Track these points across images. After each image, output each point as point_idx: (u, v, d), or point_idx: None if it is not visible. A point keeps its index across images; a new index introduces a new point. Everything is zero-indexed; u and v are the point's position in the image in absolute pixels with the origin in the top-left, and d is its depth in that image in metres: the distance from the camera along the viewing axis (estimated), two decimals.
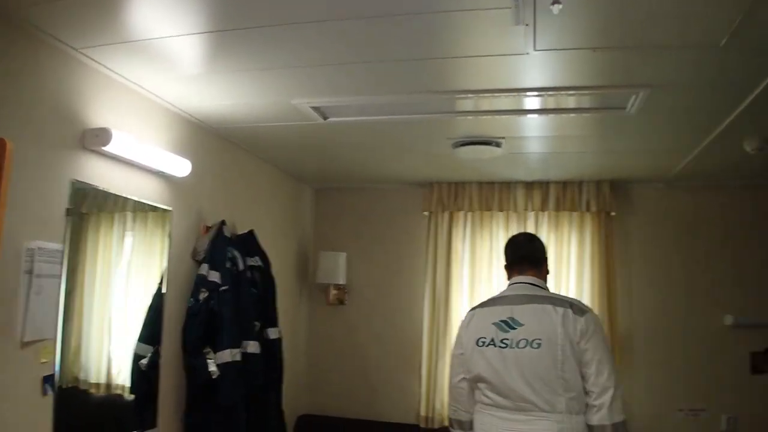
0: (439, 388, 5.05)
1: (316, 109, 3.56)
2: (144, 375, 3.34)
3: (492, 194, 5.25)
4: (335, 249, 5.35)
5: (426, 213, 5.32)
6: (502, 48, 2.76)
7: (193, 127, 3.81)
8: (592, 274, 5.09)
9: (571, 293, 5.07)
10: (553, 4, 2.27)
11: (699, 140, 4.03)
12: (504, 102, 3.45)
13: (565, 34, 2.59)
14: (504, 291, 3.10)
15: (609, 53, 2.78)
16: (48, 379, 2.64)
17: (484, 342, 2.91)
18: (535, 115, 3.69)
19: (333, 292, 5.38)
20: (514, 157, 4.47)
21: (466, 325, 3.08)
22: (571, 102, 3.47)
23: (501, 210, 5.24)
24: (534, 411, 2.74)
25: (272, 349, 4.24)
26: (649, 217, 5.25)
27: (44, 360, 2.62)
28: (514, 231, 5.15)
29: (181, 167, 3.53)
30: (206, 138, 3.95)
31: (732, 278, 5.02)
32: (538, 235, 5.03)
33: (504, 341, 2.86)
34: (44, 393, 2.62)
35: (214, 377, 3.57)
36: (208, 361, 3.61)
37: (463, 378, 3.02)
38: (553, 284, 5.06)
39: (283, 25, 2.55)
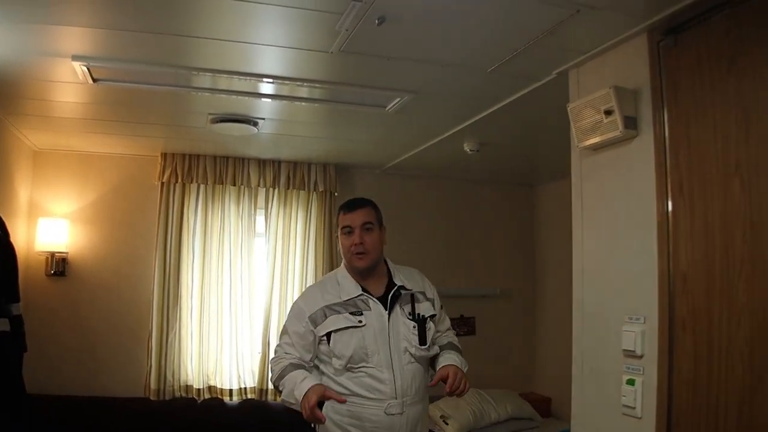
0: (170, 360, 4.93)
1: (88, 70, 3.26)
2: None
3: (225, 168, 5.22)
4: (56, 216, 4.89)
5: (158, 183, 5.10)
6: (308, 44, 2.91)
7: None
8: (316, 248, 5.38)
9: (297, 266, 5.34)
10: (379, 24, 2.56)
11: (429, 139, 4.54)
12: (284, 88, 3.55)
13: (371, 42, 2.82)
14: None
15: (397, 62, 3.08)
16: None
17: None
18: (303, 103, 3.79)
19: (53, 262, 4.91)
20: (263, 135, 4.53)
21: None
22: (344, 96, 3.70)
23: (233, 184, 5.25)
24: None
25: (17, 327, 3.81)
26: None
27: None
28: (246, 206, 5.25)
29: None
30: None
31: (435, 254, 5.73)
32: (269, 210, 5.24)
33: None
34: None
35: None
36: None
37: None
38: (281, 257, 5.28)
39: None
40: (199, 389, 5.00)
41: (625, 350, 2.57)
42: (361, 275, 2.82)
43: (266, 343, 5.13)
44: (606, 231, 2.79)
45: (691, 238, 2.32)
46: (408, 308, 2.79)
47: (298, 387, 2.59)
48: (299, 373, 2.68)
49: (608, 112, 2.60)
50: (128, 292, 5.08)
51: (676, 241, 2.39)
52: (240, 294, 5.18)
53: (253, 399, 5.14)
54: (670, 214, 2.42)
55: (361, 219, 2.84)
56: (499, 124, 4.01)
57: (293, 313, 2.87)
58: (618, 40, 2.67)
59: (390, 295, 2.78)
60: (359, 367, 2.65)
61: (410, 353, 2.71)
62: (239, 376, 5.11)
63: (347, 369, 2.68)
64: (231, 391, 5.09)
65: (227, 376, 5.10)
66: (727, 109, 2.17)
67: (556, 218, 5.70)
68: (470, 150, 4.54)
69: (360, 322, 2.69)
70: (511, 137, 4.44)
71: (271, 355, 3.12)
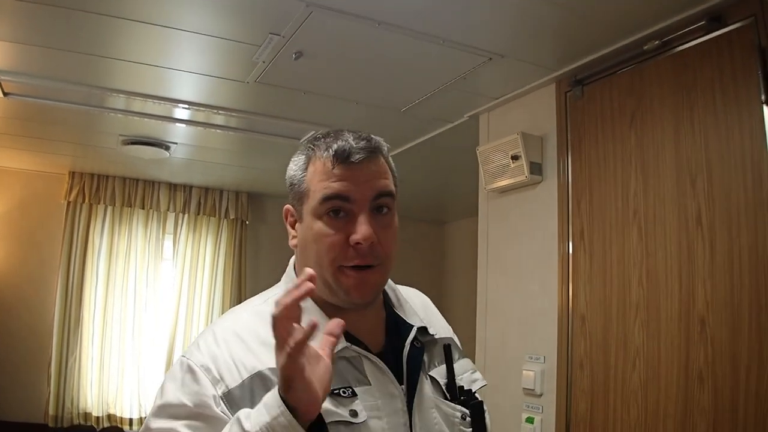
0: (69, 386, 4.63)
1: None
2: None
3: (135, 191, 5.01)
4: None
5: (64, 202, 4.83)
6: (225, 73, 2.85)
7: None
8: (224, 275, 5.21)
9: (204, 292, 5.16)
10: (296, 58, 2.54)
11: None
12: (199, 115, 3.45)
13: (287, 76, 2.78)
14: None
15: (312, 96, 3.06)
16: None
17: None
18: (217, 130, 3.70)
19: None
20: (175, 160, 4.38)
21: None
22: (258, 126, 3.63)
23: (142, 207, 5.04)
24: None
25: None
26: (278, 228, 5.59)
27: None
28: (154, 230, 5.06)
29: None
30: None
31: None
32: (178, 235, 5.04)
33: None
34: None
35: None
36: None
37: None
38: (188, 283, 5.11)
39: None
40: (98, 417, 4.72)
41: (525, 389, 2.57)
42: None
43: None
44: (509, 271, 2.80)
45: (590, 281, 2.35)
46: (440, 374, 1.20)
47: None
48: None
49: (515, 157, 2.63)
50: (28, 313, 4.76)
51: (576, 283, 2.42)
52: (144, 319, 4.95)
53: None
54: (570, 258, 2.45)
55: (376, 187, 1.08)
56: (412, 162, 4.02)
57: (180, 377, 1.05)
58: (527, 89, 2.71)
59: (406, 350, 1.14)
60: None
61: None
62: (140, 405, 4.85)
63: None
64: (131, 420, 4.83)
65: (128, 405, 4.84)
66: (628, 161, 2.22)
67: (465, 255, 5.73)
68: None
69: (354, 415, 1.02)
70: (422, 175, 4.45)
71: None
